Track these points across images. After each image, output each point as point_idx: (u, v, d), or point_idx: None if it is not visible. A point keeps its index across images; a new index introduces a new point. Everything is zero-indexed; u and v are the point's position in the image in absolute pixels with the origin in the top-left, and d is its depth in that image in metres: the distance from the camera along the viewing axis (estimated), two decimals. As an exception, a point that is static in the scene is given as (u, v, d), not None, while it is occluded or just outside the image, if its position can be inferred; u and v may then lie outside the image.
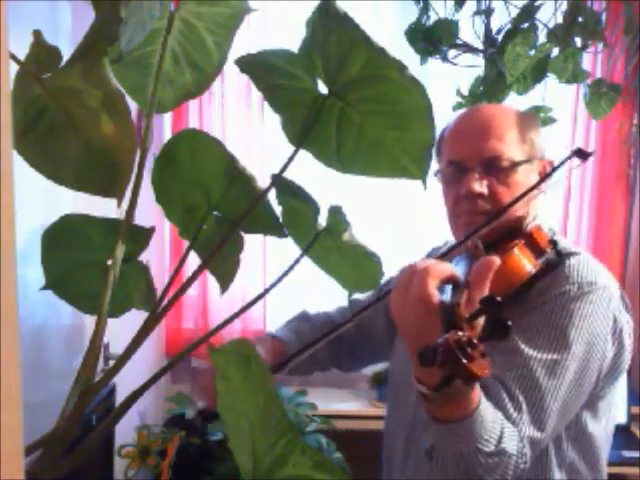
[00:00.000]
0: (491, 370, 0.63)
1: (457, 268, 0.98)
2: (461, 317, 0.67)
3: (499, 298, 0.62)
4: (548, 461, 1.02)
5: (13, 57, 0.54)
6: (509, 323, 0.60)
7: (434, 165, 1.14)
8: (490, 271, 0.75)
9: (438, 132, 1.10)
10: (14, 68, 0.56)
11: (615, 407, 1.10)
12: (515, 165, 1.05)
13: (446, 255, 0.94)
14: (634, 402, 2.33)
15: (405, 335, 0.82)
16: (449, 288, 0.78)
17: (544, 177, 1.06)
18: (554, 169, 1.06)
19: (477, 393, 0.82)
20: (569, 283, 1.00)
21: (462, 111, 1.16)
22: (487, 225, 0.95)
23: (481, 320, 0.68)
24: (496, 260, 0.75)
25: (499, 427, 0.85)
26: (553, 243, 1.06)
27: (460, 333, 0.63)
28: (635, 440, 2.25)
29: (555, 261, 1.04)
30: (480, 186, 1.04)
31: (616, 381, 1.05)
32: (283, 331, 1.27)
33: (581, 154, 0.98)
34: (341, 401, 2.59)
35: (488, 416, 0.84)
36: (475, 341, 0.62)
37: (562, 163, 1.02)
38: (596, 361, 0.98)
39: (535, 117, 1.21)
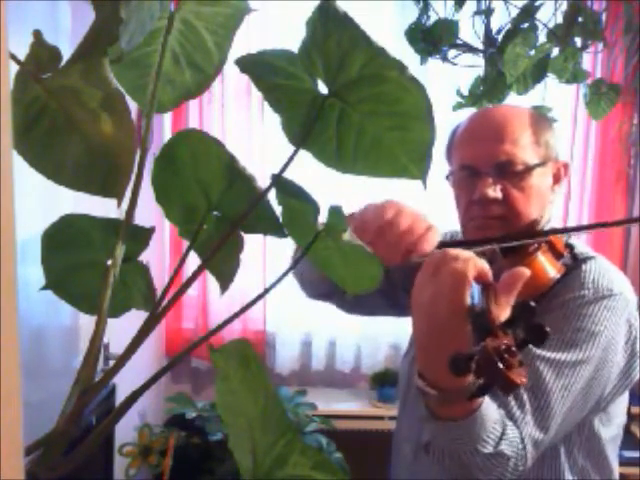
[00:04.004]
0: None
1: None
2: (494, 323, 0.65)
3: (533, 303, 0.60)
4: (560, 464, 1.01)
5: (13, 57, 0.54)
6: (547, 328, 0.59)
7: (437, 166, 1.13)
8: (520, 282, 0.73)
9: (438, 132, 1.09)
10: (14, 68, 0.56)
11: (625, 413, 1.09)
12: (529, 169, 1.02)
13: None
14: (634, 402, 2.33)
15: (423, 330, 0.78)
16: (476, 290, 0.75)
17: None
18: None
19: None
20: (584, 288, 0.98)
21: (474, 112, 1.13)
22: (504, 241, 0.95)
23: (516, 327, 0.66)
24: (526, 272, 0.73)
25: (500, 428, 0.84)
26: (569, 247, 1.04)
27: (498, 341, 0.61)
28: (635, 440, 2.26)
29: (571, 265, 1.02)
30: (494, 191, 1.02)
31: (627, 389, 1.04)
32: None
33: None
34: (341, 401, 2.59)
35: (489, 416, 0.82)
36: (514, 349, 0.60)
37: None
38: (607, 367, 0.97)
39: (548, 118, 1.19)
